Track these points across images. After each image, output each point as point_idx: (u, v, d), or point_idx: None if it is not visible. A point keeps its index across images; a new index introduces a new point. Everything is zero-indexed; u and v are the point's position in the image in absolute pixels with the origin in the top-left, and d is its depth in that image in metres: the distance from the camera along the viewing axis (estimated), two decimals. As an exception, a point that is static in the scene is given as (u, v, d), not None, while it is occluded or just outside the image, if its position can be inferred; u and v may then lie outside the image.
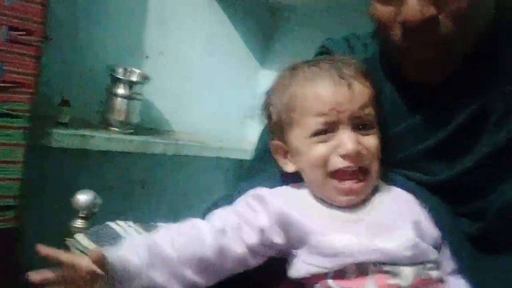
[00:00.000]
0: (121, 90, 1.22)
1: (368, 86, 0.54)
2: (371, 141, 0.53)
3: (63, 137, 1.08)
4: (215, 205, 0.64)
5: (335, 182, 0.52)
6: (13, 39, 0.94)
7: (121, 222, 0.85)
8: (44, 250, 0.47)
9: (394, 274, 0.48)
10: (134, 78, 1.27)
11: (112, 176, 1.34)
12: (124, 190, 1.38)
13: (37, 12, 0.96)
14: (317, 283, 0.51)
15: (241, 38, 1.64)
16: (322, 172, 0.52)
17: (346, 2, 1.37)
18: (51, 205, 1.19)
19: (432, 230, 0.52)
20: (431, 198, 0.54)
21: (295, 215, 0.52)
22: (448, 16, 0.50)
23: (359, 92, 0.52)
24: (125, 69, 1.27)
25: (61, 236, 0.87)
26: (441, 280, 0.51)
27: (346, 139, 0.51)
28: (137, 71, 1.30)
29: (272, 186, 0.59)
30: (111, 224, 0.84)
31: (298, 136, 0.54)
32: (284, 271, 0.54)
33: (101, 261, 0.46)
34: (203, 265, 0.50)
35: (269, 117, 0.59)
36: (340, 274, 0.49)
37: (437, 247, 0.52)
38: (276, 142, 0.58)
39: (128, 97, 1.23)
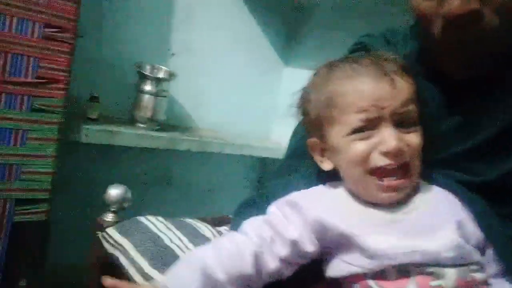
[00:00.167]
0: (148, 87, 1.24)
1: (410, 82, 0.53)
2: (413, 138, 0.51)
3: (91, 133, 1.10)
4: (246, 205, 0.64)
5: (375, 179, 0.51)
6: (48, 36, 0.96)
7: (150, 217, 0.86)
8: (109, 281, 0.50)
9: (437, 276, 0.47)
10: (160, 75, 1.28)
11: (138, 172, 1.36)
12: (150, 185, 1.40)
13: (70, 10, 0.98)
14: (356, 283, 0.50)
15: (266, 36, 1.64)
16: (362, 169, 0.51)
17: (372, -1, 1.36)
18: (79, 199, 1.21)
19: (475, 231, 0.51)
20: (474, 198, 0.53)
21: (332, 220, 0.51)
22: (492, 10, 0.49)
23: (401, 88, 0.51)
24: (152, 66, 1.28)
25: (88, 230, 0.88)
26: (485, 283, 0.49)
27: (388, 136, 0.50)
28: (164, 68, 1.31)
29: (306, 185, 0.58)
30: (141, 218, 0.85)
31: (337, 134, 0.53)
32: (315, 271, 0.54)
33: None
34: (245, 282, 0.50)
35: (306, 114, 0.59)
36: (380, 274, 0.48)
37: (481, 249, 0.51)
38: (314, 140, 0.57)
39: (155, 94, 1.24)
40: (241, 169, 1.64)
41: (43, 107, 0.97)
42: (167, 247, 0.76)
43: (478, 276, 0.49)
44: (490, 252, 0.52)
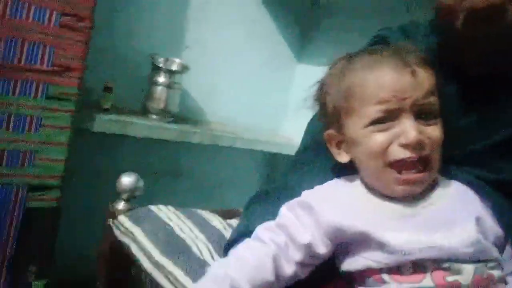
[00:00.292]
0: (161, 79, 1.24)
1: (432, 74, 0.52)
2: (434, 131, 0.50)
3: (104, 122, 1.10)
4: (258, 198, 0.64)
5: (394, 172, 0.50)
6: (64, 24, 0.96)
7: (162, 206, 0.86)
8: None
9: (454, 271, 0.46)
10: (174, 68, 1.28)
11: (149, 163, 1.37)
12: (160, 177, 1.40)
13: (87, -2, 0.98)
14: (370, 277, 0.49)
15: (279, 32, 1.63)
16: (381, 162, 0.50)
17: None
18: (89, 187, 1.22)
19: (495, 228, 0.50)
20: (495, 195, 0.52)
21: (348, 220, 0.50)
22: None
23: (422, 80, 0.50)
24: (166, 59, 1.29)
25: (100, 217, 0.89)
26: (503, 280, 0.48)
27: (409, 128, 0.49)
28: (177, 60, 1.31)
29: (321, 178, 0.58)
30: (153, 207, 0.85)
31: (356, 125, 0.52)
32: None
33: None
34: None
35: (323, 106, 0.58)
36: (396, 269, 0.48)
37: (499, 246, 0.50)
38: (331, 132, 0.57)
39: (168, 86, 1.25)
40: (251, 164, 1.63)
41: (58, 95, 0.98)
42: (177, 236, 0.76)
43: (496, 273, 0.48)
44: (509, 249, 0.51)
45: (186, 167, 1.48)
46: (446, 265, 0.47)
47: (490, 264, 0.48)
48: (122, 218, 0.82)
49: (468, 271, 0.46)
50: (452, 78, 0.58)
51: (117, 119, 1.13)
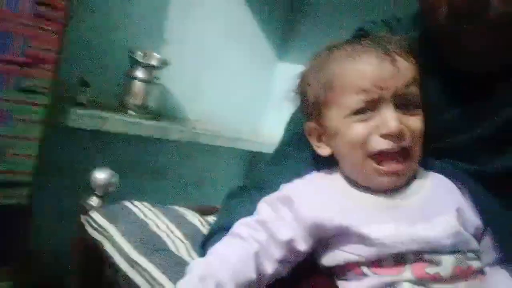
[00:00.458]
0: (139, 74, 1.21)
1: (413, 64, 0.51)
2: (415, 122, 0.50)
3: (80, 117, 1.06)
4: (236, 193, 0.63)
5: (374, 164, 0.49)
6: (38, 13, 0.93)
7: (137, 202, 0.84)
8: None
9: (434, 263, 0.46)
10: (153, 62, 1.25)
11: (127, 159, 1.33)
12: (138, 174, 1.37)
13: (62, -14, 0.95)
14: (351, 270, 0.48)
15: (261, 30, 1.62)
16: (361, 153, 0.50)
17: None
18: (65, 184, 1.18)
19: (474, 219, 0.50)
20: (476, 187, 0.52)
21: (329, 214, 0.49)
22: (500, 0, 0.48)
23: (404, 69, 0.50)
24: (145, 53, 1.26)
25: (73, 214, 0.85)
26: (481, 271, 0.48)
27: (389, 118, 0.48)
28: (157, 55, 1.28)
29: (302, 171, 0.57)
30: (127, 203, 0.82)
31: (336, 116, 0.51)
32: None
33: None
34: (251, 286, 0.48)
35: (304, 98, 0.57)
36: (377, 262, 0.47)
37: (478, 237, 0.50)
38: (311, 124, 0.56)
39: (146, 81, 1.22)
40: (231, 162, 1.62)
41: (30, 88, 0.94)
42: (153, 233, 0.74)
43: (475, 264, 0.48)
44: (487, 240, 0.51)
45: (165, 165, 1.45)
46: (426, 257, 0.46)
47: (469, 255, 0.48)
48: (95, 215, 0.79)
49: (448, 262, 0.46)
50: (435, 71, 0.57)
51: (93, 114, 1.10)
